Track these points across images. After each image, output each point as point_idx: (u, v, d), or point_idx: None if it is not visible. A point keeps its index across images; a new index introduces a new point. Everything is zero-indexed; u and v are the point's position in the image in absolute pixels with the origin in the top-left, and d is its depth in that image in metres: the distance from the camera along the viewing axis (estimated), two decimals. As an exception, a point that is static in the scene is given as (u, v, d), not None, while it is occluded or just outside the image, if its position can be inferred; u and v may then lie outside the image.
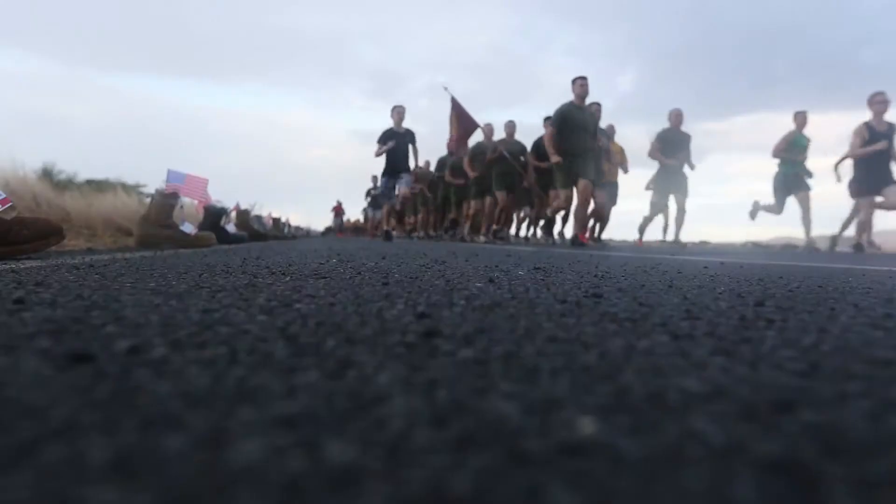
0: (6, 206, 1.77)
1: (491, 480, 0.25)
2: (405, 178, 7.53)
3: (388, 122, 7.41)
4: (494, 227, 8.54)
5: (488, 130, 8.46)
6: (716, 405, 0.36)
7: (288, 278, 1.18)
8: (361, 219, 21.63)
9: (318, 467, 0.26)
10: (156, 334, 0.55)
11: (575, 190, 6.24)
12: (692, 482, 0.25)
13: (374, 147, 7.49)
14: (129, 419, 0.32)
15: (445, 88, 7.91)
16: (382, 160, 7.60)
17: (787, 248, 6.96)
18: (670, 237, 7.67)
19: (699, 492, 0.24)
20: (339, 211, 21.65)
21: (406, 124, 7.45)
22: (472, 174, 8.50)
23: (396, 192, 7.57)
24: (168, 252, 2.50)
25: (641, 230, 7.87)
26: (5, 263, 1.49)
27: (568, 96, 6.95)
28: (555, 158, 6.27)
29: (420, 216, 12.96)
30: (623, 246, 6.95)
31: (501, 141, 8.24)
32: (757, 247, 7.87)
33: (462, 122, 7.95)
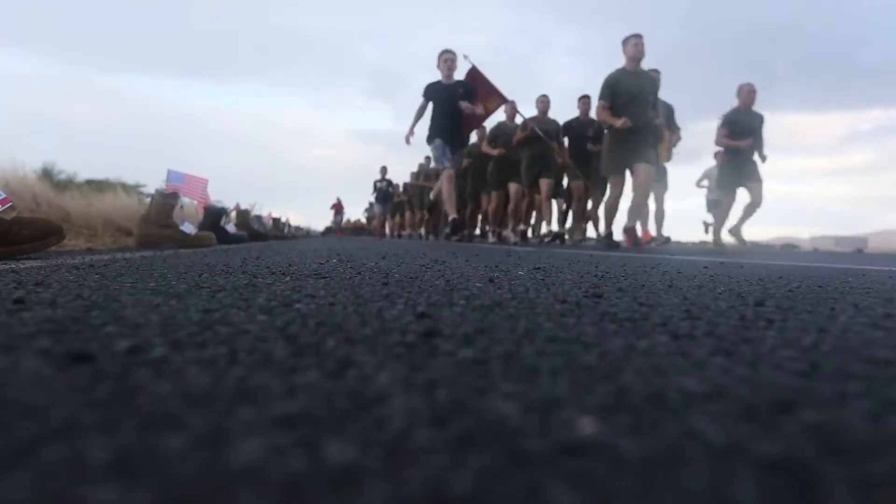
0: (6, 206, 1.77)
1: (491, 480, 0.25)
2: (458, 151, 5.94)
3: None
4: (522, 226, 7.12)
5: (510, 110, 7.09)
6: (716, 405, 0.36)
7: (288, 278, 1.18)
8: (363, 218, 21.13)
9: (318, 467, 0.26)
10: (156, 334, 0.55)
11: (629, 175, 4.90)
12: (692, 482, 0.25)
13: (406, 130, 6.00)
14: (129, 419, 0.32)
15: (465, 57, 6.15)
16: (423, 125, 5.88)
17: (787, 248, 6.94)
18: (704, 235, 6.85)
19: (699, 492, 0.24)
20: (338, 208, 20.99)
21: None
22: (493, 152, 7.16)
23: (450, 163, 5.87)
24: (168, 252, 2.50)
25: (717, 232, 6.52)
26: (5, 263, 1.48)
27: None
28: (620, 122, 4.78)
29: (417, 216, 11.79)
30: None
31: (533, 118, 6.78)
32: (757, 247, 7.85)
33: (481, 97, 6.04)
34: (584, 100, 6.87)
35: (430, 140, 5.95)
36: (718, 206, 7.09)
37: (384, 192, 13.97)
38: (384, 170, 13.97)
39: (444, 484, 0.24)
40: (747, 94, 5.73)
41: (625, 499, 0.24)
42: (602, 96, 5.02)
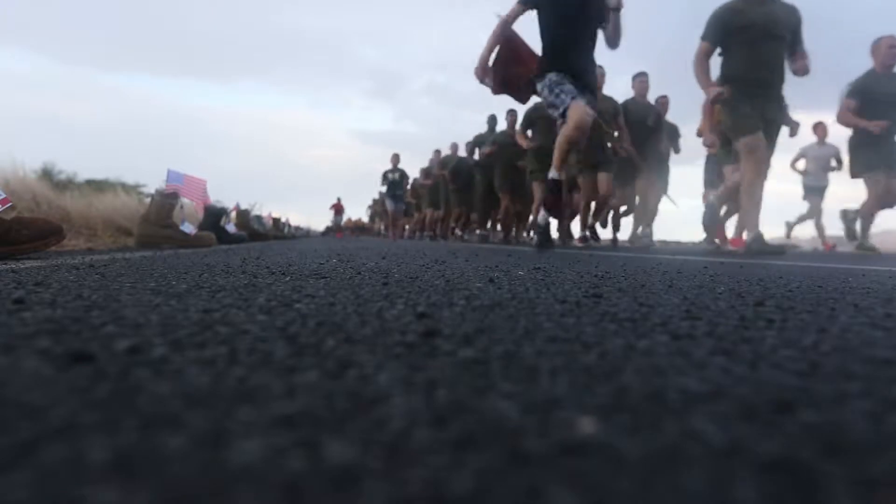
0: (6, 206, 1.77)
1: (491, 480, 0.25)
2: (587, 97, 3.31)
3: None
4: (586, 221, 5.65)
5: None
6: (716, 405, 0.36)
7: (288, 278, 1.18)
8: (365, 217, 21.08)
9: (318, 467, 0.26)
10: (156, 334, 0.55)
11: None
12: (692, 482, 0.25)
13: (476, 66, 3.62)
14: (129, 419, 0.32)
15: (498, 16, 3.59)
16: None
17: (787, 248, 6.90)
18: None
19: (699, 492, 0.24)
20: (338, 209, 21.11)
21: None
22: (526, 145, 5.57)
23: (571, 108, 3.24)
24: (168, 252, 2.50)
25: (863, 232, 4.83)
26: (5, 263, 1.48)
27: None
28: (714, 90, 3.30)
29: (428, 216, 10.69)
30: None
31: None
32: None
33: (507, 61, 3.65)
34: (641, 78, 5.57)
35: (541, 73, 3.37)
36: (818, 194, 6.09)
37: (396, 184, 11.60)
38: (396, 158, 11.49)
39: (444, 484, 0.24)
40: (888, 49, 4.07)
41: (625, 499, 0.24)
42: (705, 36, 3.37)
